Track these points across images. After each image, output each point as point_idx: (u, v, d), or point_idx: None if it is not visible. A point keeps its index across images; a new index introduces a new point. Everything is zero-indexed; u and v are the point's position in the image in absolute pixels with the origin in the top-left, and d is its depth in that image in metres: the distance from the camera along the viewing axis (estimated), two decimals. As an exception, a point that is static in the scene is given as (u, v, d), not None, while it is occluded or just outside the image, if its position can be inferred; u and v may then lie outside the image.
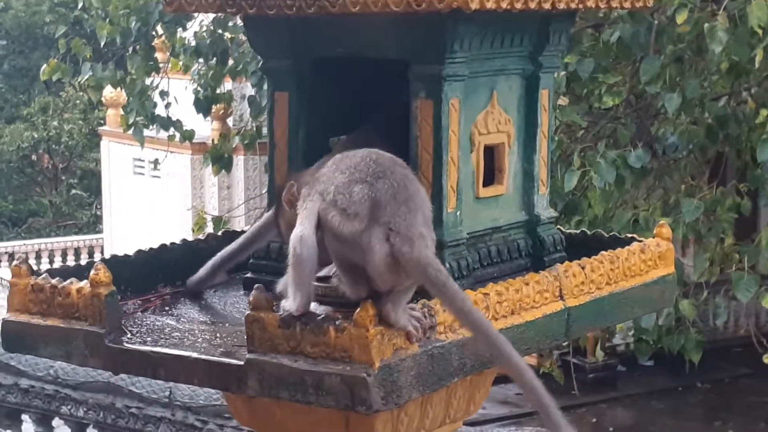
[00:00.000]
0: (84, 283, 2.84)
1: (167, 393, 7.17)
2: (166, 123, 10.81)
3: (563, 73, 8.32)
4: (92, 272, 2.81)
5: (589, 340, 12.65)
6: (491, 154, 3.05)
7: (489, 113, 3.01)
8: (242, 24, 10.23)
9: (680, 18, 7.79)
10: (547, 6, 2.83)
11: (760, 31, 7.36)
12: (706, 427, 13.15)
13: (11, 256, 19.58)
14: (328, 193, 2.61)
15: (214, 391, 7.13)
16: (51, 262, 19.36)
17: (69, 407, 7.57)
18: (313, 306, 2.71)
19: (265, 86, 9.91)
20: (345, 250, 2.61)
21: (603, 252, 3.08)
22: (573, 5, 2.90)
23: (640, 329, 8.69)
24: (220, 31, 10.63)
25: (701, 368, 12.32)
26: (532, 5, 2.79)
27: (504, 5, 2.74)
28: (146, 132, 10.96)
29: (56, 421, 7.84)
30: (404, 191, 2.60)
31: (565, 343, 13.06)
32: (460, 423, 3.22)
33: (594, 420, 13.40)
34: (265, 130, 11.41)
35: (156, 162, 12.92)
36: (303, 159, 3.13)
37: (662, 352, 9.49)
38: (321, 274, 2.75)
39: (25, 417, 7.91)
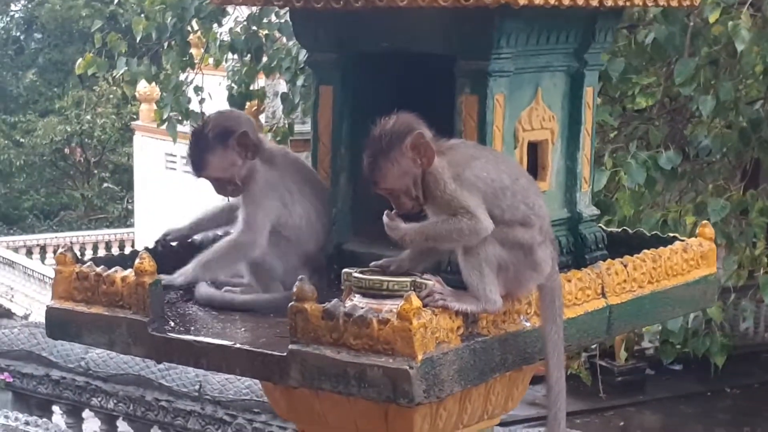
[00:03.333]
0: (128, 272, 2.86)
1: (197, 387, 7.20)
2: (200, 119, 10.83)
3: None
4: (137, 261, 2.83)
5: (617, 341, 12.62)
6: (535, 150, 3.06)
7: (533, 109, 3.02)
8: (281, 21, 10.20)
9: (713, 17, 7.76)
10: (594, 3, 2.83)
11: (790, 33, 7.32)
12: (734, 432, 13.09)
13: (43, 249, 19.70)
14: (503, 191, 2.69)
15: (244, 386, 7.15)
16: (82, 254, 19.40)
17: (99, 399, 7.62)
18: (357, 298, 2.72)
19: (299, 82, 9.94)
20: (508, 256, 2.68)
21: (645, 251, 3.08)
22: (620, 2, 2.90)
23: (666, 331, 8.65)
24: (254, 27, 10.66)
25: (730, 373, 12.26)
26: (580, 2, 2.80)
27: (552, 1, 2.74)
28: (179, 127, 10.99)
29: (86, 413, 7.89)
30: None
31: (593, 345, 13.04)
32: (497, 419, 3.22)
33: (621, 423, 13.35)
34: (297, 127, 11.43)
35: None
36: (346, 152, 3.14)
37: (691, 356, 9.45)
38: (379, 263, 2.79)
39: (55, 408, 7.96)
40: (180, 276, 2.98)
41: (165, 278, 2.92)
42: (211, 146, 2.98)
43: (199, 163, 3.00)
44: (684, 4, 3.00)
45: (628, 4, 2.92)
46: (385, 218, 2.73)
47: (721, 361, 8.87)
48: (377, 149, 2.72)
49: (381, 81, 3.16)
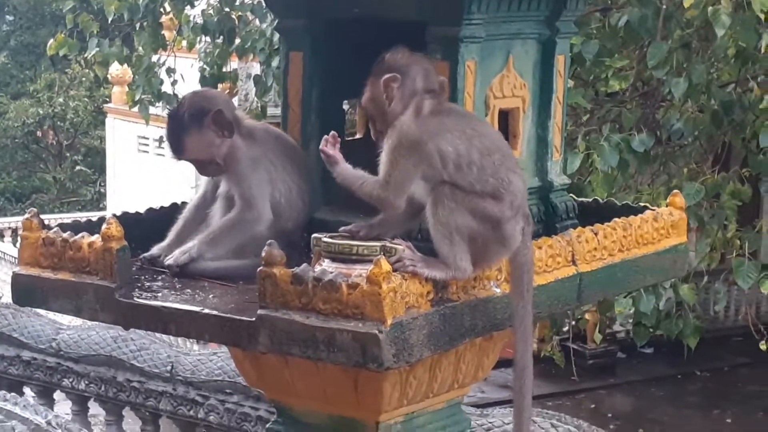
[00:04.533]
0: (95, 238, 2.83)
1: (169, 368, 7.17)
2: (172, 100, 10.77)
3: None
4: (104, 227, 2.81)
5: (589, 325, 12.66)
6: (506, 118, 3.05)
7: (504, 77, 3.01)
8: (253, 2, 10.15)
9: (687, 2, 7.77)
10: (566, -31, 2.82)
11: (763, 17, 7.33)
12: (704, 415, 13.17)
13: (14, 232, 19.57)
14: (471, 166, 2.68)
15: (216, 367, 7.12)
16: (53, 239, 19.30)
17: (71, 380, 7.57)
18: (326, 263, 2.71)
19: (273, 64, 9.90)
20: (477, 227, 2.67)
21: (616, 219, 3.08)
22: (592, -31, 2.89)
23: (639, 313, 8.68)
24: (227, 9, 10.61)
25: (701, 357, 12.34)
26: (552, -33, 2.79)
27: (523, -34, 2.73)
28: (152, 109, 10.94)
29: (58, 394, 7.84)
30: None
31: (565, 329, 13.07)
32: (467, 389, 3.22)
33: (593, 406, 13.41)
34: (270, 110, 11.39)
35: (161, 139, 12.90)
36: (317, 119, 3.13)
37: (662, 340, 9.48)
38: (348, 228, 2.78)
39: (26, 389, 7.91)
40: (183, 254, 2.93)
41: (168, 258, 2.92)
42: (187, 128, 2.95)
43: (177, 146, 2.97)
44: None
45: (599, -31, 2.91)
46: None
47: (694, 343, 8.90)
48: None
49: (351, 47, 3.13)
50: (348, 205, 2.93)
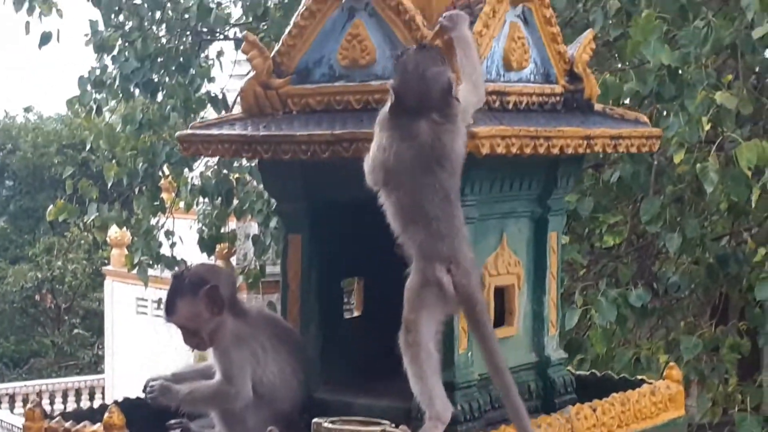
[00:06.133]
0: (97, 426, 2.84)
1: None
2: (171, 262, 10.84)
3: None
4: (106, 415, 2.82)
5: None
6: (501, 295, 3.09)
7: (499, 255, 3.06)
8: (251, 164, 10.26)
9: (677, 157, 7.89)
10: (555, 151, 2.90)
11: (749, 172, 7.43)
12: None
13: (12, 398, 19.42)
14: None
15: None
16: (52, 403, 19.15)
17: None
18: None
19: (271, 224, 9.99)
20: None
21: (614, 394, 3.09)
22: (581, 150, 2.96)
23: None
24: (225, 171, 10.76)
25: None
26: (541, 150, 2.86)
27: (514, 150, 2.80)
28: (150, 271, 10.99)
29: None
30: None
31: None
32: None
33: None
34: (268, 269, 11.44)
35: (160, 301, 12.89)
36: (316, 299, 3.16)
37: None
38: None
39: None
40: (169, 398, 3.03)
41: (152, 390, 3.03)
42: (184, 293, 3.01)
43: (169, 307, 3.04)
44: (643, 150, 3.08)
45: (588, 151, 2.99)
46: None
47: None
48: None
49: (349, 227, 3.19)
50: (347, 384, 2.95)
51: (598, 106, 3.16)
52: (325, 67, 3.04)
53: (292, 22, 3.06)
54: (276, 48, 3.07)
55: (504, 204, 3.06)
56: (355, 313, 3.40)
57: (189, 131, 3.11)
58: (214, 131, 3.07)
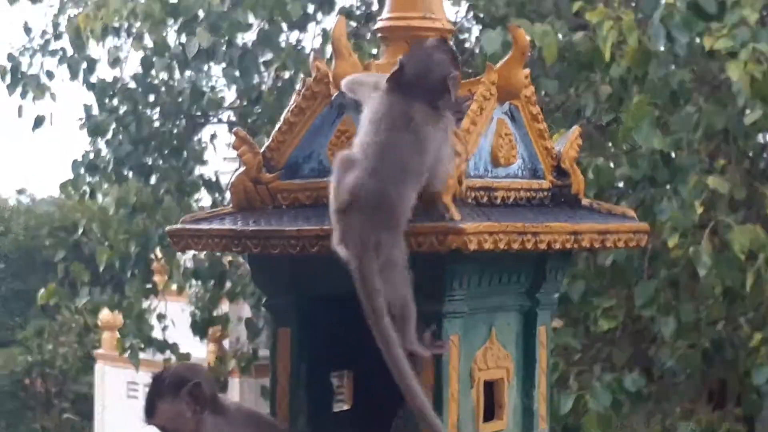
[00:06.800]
0: None
1: None
2: (163, 346, 10.82)
3: (556, 295, 8.37)
4: None
5: None
6: (491, 389, 3.07)
7: (488, 349, 3.05)
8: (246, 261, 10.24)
9: (671, 242, 7.91)
10: (542, 246, 2.90)
11: (742, 257, 7.44)
12: None
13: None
14: None
15: None
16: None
17: None
18: None
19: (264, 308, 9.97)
20: None
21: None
22: (568, 245, 2.97)
23: None
24: (218, 253, 10.77)
25: None
26: (529, 246, 2.87)
27: (501, 246, 2.81)
28: (142, 355, 10.95)
29: None
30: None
31: None
32: None
33: None
34: (261, 352, 11.40)
35: (151, 385, 12.79)
36: (305, 393, 3.15)
37: None
38: None
39: None
40: None
41: None
42: (164, 393, 3.00)
43: (149, 409, 3.02)
44: (630, 245, 3.08)
45: (575, 246, 2.99)
46: None
47: None
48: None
49: (339, 319, 3.18)
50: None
51: (585, 201, 3.18)
52: (314, 162, 3.06)
53: (281, 119, 3.09)
54: (266, 143, 3.10)
55: (493, 298, 3.06)
56: (345, 407, 3.38)
57: (179, 226, 3.12)
58: (204, 226, 3.07)
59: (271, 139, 3.10)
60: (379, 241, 2.73)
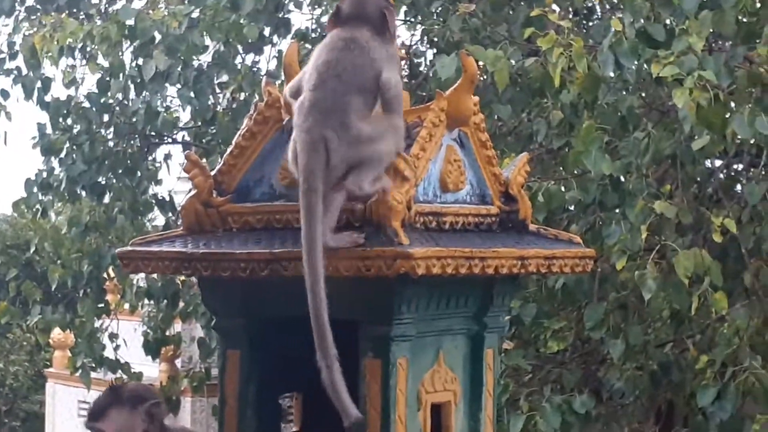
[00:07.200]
0: None
1: None
2: (115, 366, 10.76)
3: (507, 317, 8.43)
4: None
5: None
6: (438, 412, 3.11)
7: (436, 372, 3.09)
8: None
9: (619, 265, 7.98)
10: (490, 271, 2.95)
11: (686, 281, 7.52)
12: None
13: None
14: None
15: None
16: None
17: None
18: None
19: (215, 329, 9.96)
20: None
21: None
22: (515, 270, 3.02)
23: None
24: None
25: None
26: (476, 270, 2.91)
27: (449, 270, 2.85)
28: (93, 374, 10.89)
29: None
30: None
31: None
32: None
33: None
34: (214, 371, 11.36)
35: (101, 404, 12.72)
36: (253, 414, 3.17)
37: None
38: None
39: None
40: None
41: None
42: (120, 404, 3.02)
43: (99, 413, 3.03)
44: (576, 270, 3.14)
45: (522, 271, 3.05)
46: None
47: None
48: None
49: (288, 342, 3.22)
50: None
51: (532, 227, 3.23)
52: (265, 186, 3.10)
53: (233, 142, 3.12)
54: (217, 167, 3.13)
55: (440, 321, 3.10)
56: (294, 428, 3.41)
57: (129, 248, 3.14)
58: (154, 248, 3.10)
59: (222, 162, 3.14)
60: (325, 136, 2.83)
